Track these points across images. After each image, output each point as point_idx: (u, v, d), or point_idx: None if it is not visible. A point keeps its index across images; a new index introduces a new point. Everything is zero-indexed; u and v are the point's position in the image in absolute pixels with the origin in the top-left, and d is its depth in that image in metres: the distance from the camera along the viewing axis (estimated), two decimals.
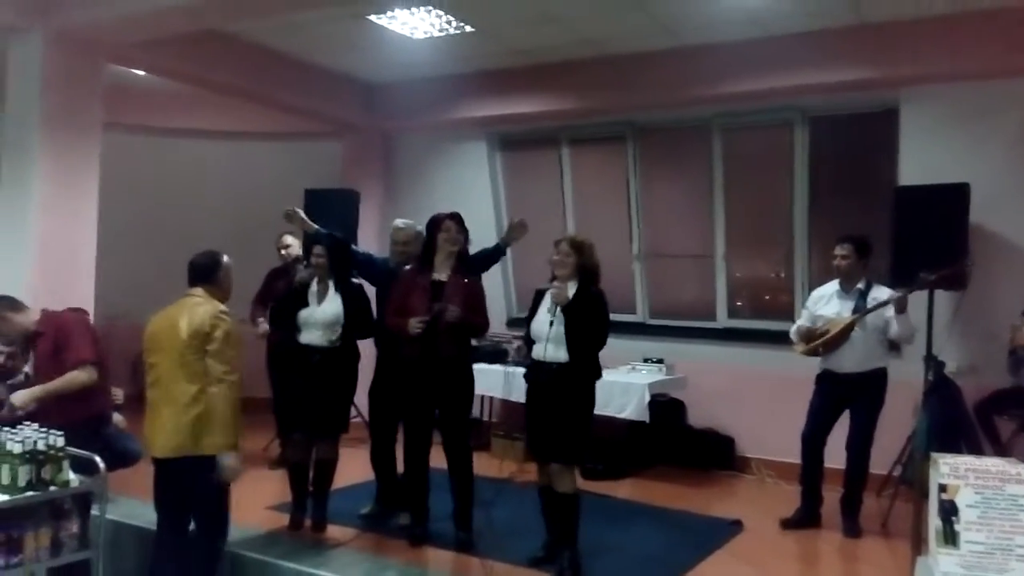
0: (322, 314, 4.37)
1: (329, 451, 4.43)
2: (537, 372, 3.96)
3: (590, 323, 3.85)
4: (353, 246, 4.94)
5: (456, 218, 4.26)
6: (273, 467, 5.62)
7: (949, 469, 2.77)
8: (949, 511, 2.74)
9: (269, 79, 6.46)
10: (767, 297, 6.56)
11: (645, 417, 5.70)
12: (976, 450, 4.88)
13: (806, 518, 4.82)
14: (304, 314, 4.39)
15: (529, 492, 4.18)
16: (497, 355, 6.41)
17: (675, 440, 6.20)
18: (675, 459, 6.15)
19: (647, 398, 5.70)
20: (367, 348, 4.61)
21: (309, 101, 6.89)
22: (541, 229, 6.87)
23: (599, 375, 3.99)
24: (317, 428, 4.39)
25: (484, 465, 5.02)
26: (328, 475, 4.46)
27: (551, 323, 3.84)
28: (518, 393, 6.00)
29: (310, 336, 4.36)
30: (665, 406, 6.11)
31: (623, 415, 5.66)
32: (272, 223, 5.33)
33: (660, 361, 6.25)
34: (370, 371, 4.70)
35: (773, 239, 6.33)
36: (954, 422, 4.91)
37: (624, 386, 5.69)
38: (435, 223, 4.26)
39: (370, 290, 4.71)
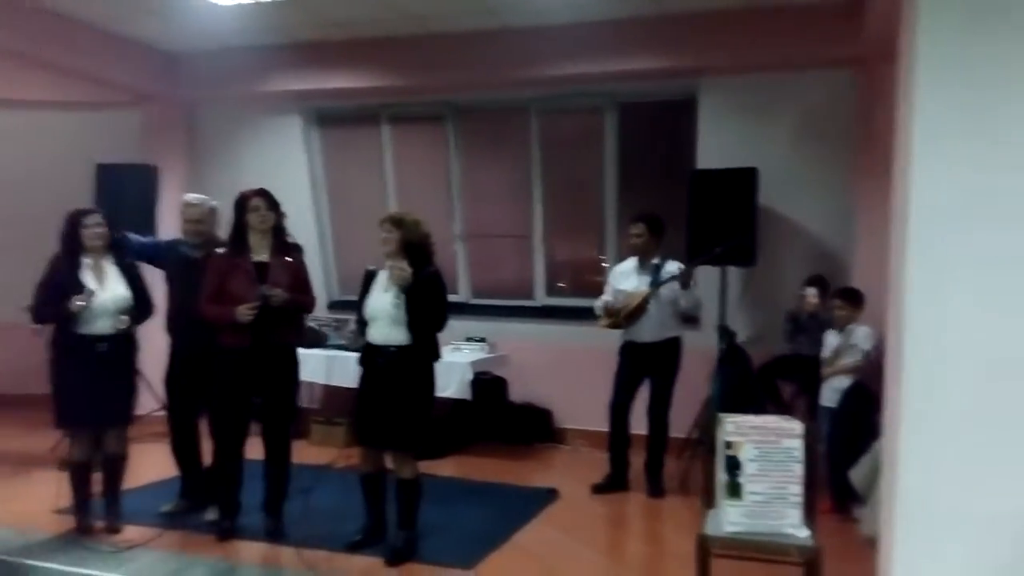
0: (107, 299, 3.98)
1: (119, 446, 4.12)
2: (373, 355, 3.87)
3: (431, 303, 3.83)
4: (134, 236, 4.55)
5: (264, 194, 4.08)
6: (62, 467, 5.16)
7: (734, 427, 3.02)
8: (733, 466, 3.00)
9: (57, 44, 5.87)
10: (584, 276, 6.83)
11: (467, 395, 5.80)
12: (762, 412, 5.36)
13: (615, 482, 5.11)
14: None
15: (350, 478, 4.12)
16: (317, 339, 6.24)
17: (497, 416, 6.34)
18: (497, 435, 6.29)
19: (469, 376, 5.80)
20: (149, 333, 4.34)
21: (100, 67, 6.32)
22: (362, 209, 6.80)
23: (438, 356, 3.98)
24: (107, 421, 4.07)
25: (304, 453, 4.89)
26: (120, 471, 4.16)
27: (394, 304, 3.78)
28: (340, 377, 5.95)
29: (94, 324, 3.96)
30: (488, 384, 6.23)
31: (446, 394, 5.70)
32: (64, 200, 4.86)
33: (482, 340, 6.35)
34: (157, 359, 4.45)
35: (588, 220, 6.58)
36: (744, 386, 5.35)
37: (447, 365, 5.71)
38: (242, 201, 4.06)
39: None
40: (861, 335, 4.66)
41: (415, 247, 3.88)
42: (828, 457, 4.51)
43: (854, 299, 4.78)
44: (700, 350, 5.38)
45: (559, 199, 6.58)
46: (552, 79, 6.09)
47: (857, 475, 3.94)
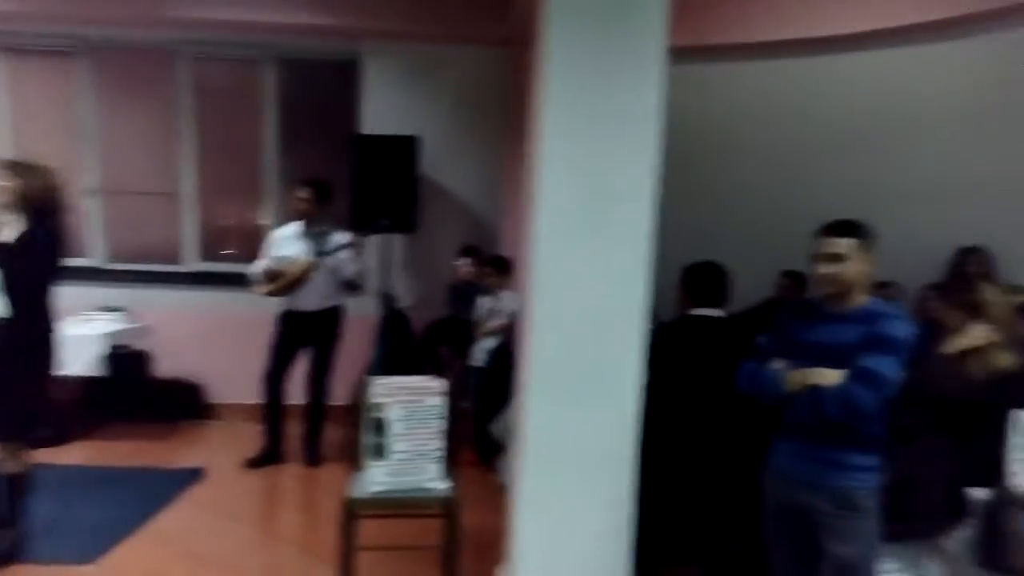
0: None
1: None
2: None
3: (28, 267, 3.25)
4: None
5: None
6: None
7: (382, 389, 3.03)
8: (381, 427, 3.01)
9: None
10: (241, 239, 6.41)
11: (100, 371, 5.15)
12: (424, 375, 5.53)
13: (269, 456, 4.90)
14: None
15: None
16: None
17: (137, 394, 5.73)
18: (138, 414, 5.69)
19: (104, 351, 5.15)
20: None
21: None
22: None
23: (50, 329, 3.39)
24: None
25: None
26: None
27: None
28: None
29: None
30: (126, 358, 5.60)
31: (73, 371, 5.00)
32: None
33: (121, 309, 5.68)
34: None
35: (247, 180, 6.18)
36: (406, 352, 5.45)
37: (76, 339, 5.02)
38: None
39: None
40: (507, 299, 4.98)
41: (38, 200, 3.29)
42: (475, 413, 4.77)
43: (502, 266, 5.09)
44: (362, 316, 5.36)
45: (214, 156, 6.09)
46: (202, 22, 5.58)
47: (497, 428, 4.21)
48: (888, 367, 2.36)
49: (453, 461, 3.07)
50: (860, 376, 2.37)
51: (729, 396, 3.21)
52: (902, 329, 2.39)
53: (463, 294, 5.47)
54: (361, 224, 5.07)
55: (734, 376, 2.70)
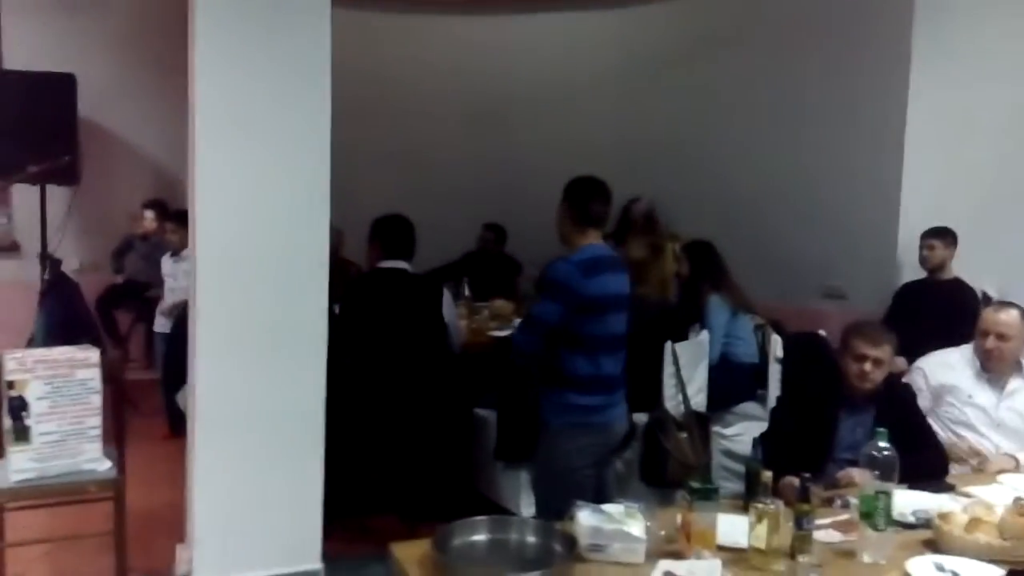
0: None
1: None
2: None
3: None
4: None
5: None
6: None
7: (16, 364, 2.61)
8: (19, 407, 2.59)
9: None
10: None
11: None
12: (99, 345, 4.95)
13: None
14: None
15: None
16: None
17: None
18: None
19: None
20: None
21: None
22: None
23: None
24: None
25: None
26: None
27: None
28: None
29: None
30: None
31: None
32: None
33: None
34: None
35: None
36: (75, 320, 4.83)
37: None
38: None
39: None
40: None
41: None
42: (163, 383, 4.38)
43: (186, 223, 4.66)
44: (21, 282, 4.64)
45: None
46: None
47: (182, 397, 3.89)
48: (539, 308, 2.56)
49: (119, 436, 2.76)
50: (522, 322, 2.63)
51: (420, 348, 3.25)
52: (556, 271, 2.53)
53: (145, 253, 4.96)
54: (5, 170, 4.36)
55: (423, 327, 2.73)
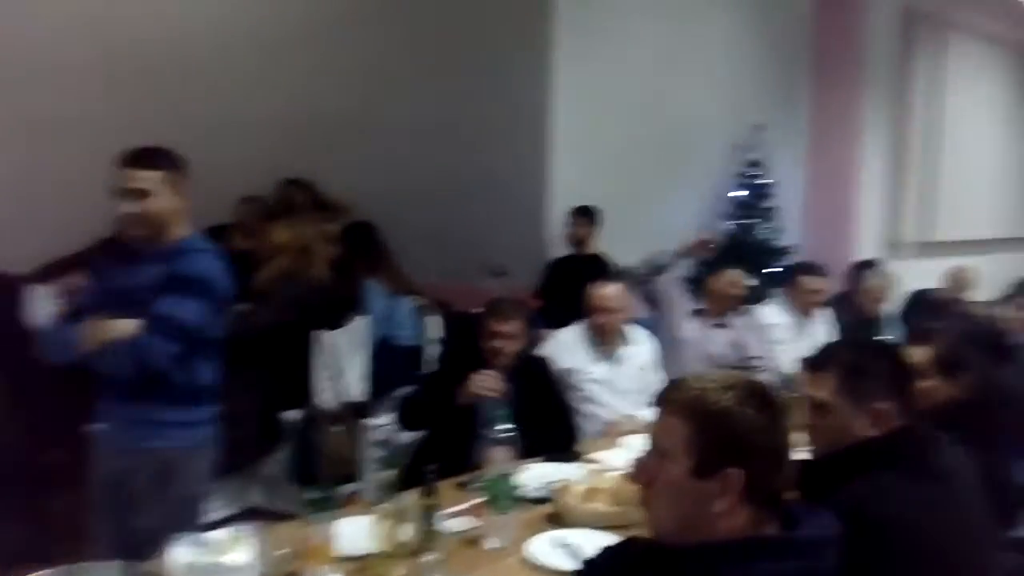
0: None
1: None
2: None
3: None
4: None
5: None
6: None
7: None
8: None
9: None
10: None
11: None
12: None
13: None
14: None
15: None
16: None
17: None
18: None
19: None
20: None
21: None
22: None
23: None
24: None
25: None
26: None
27: None
28: None
29: None
30: None
31: None
32: None
33: None
34: None
35: None
36: None
37: None
38: None
39: None
40: None
41: None
42: None
43: None
44: None
45: None
46: None
47: None
48: (186, 309, 2.08)
49: None
50: (153, 324, 2.07)
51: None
52: (205, 265, 2.14)
53: None
54: None
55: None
